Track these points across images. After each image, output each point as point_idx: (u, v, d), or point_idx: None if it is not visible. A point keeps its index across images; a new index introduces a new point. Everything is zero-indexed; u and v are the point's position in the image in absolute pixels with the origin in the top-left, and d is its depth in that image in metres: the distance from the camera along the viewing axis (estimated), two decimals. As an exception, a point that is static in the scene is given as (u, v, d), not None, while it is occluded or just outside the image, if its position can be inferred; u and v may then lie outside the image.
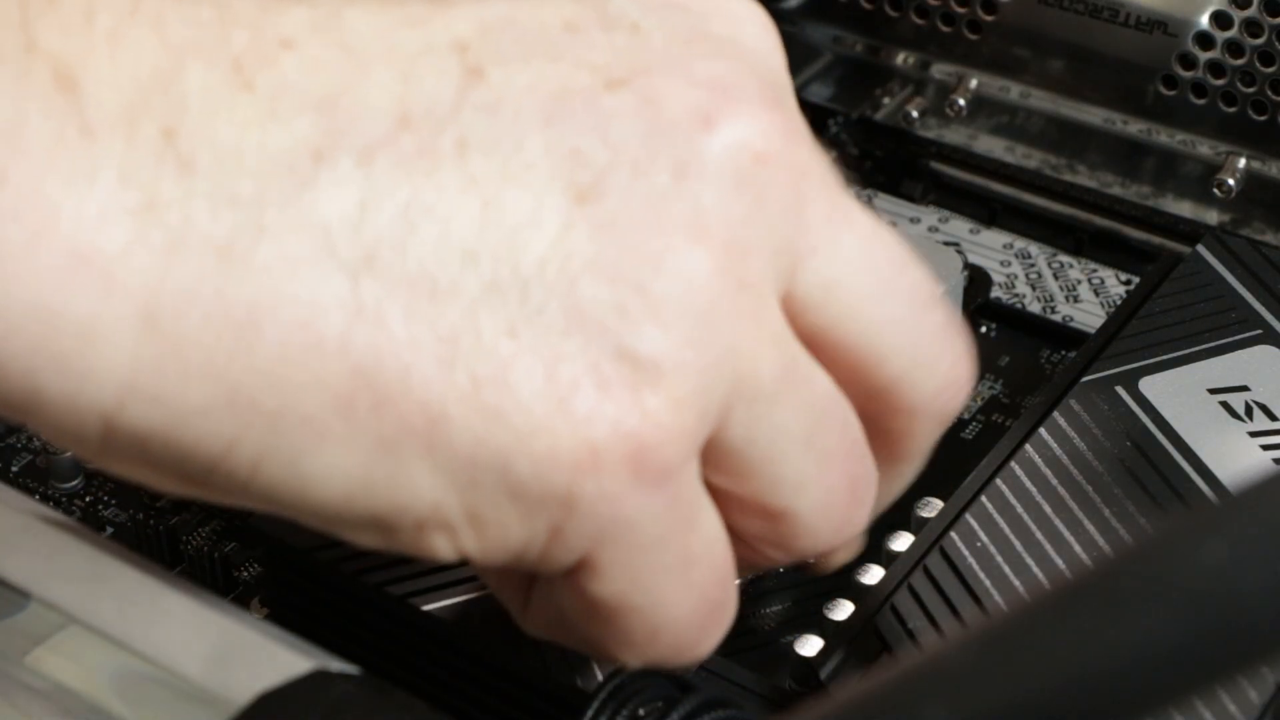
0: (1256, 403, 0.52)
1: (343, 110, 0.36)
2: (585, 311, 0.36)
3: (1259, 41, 0.61)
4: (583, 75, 0.38)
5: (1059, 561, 0.47)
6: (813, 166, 0.40)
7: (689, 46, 0.39)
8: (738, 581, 0.42)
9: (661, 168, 0.37)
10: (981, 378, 0.61)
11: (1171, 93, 0.63)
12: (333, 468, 0.36)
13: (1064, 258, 0.65)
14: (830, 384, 0.41)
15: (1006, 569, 0.47)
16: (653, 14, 0.39)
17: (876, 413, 0.42)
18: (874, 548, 0.53)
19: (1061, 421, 0.51)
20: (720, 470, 0.39)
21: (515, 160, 0.37)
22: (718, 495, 0.40)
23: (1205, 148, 0.63)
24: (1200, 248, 0.57)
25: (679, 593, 0.39)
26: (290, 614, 0.50)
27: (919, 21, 0.66)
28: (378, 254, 0.35)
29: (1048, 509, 0.49)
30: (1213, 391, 0.52)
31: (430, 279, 0.36)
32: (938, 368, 0.42)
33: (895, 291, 0.41)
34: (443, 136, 0.36)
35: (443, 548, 0.38)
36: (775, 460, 0.40)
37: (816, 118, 0.70)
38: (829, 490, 0.41)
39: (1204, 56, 0.62)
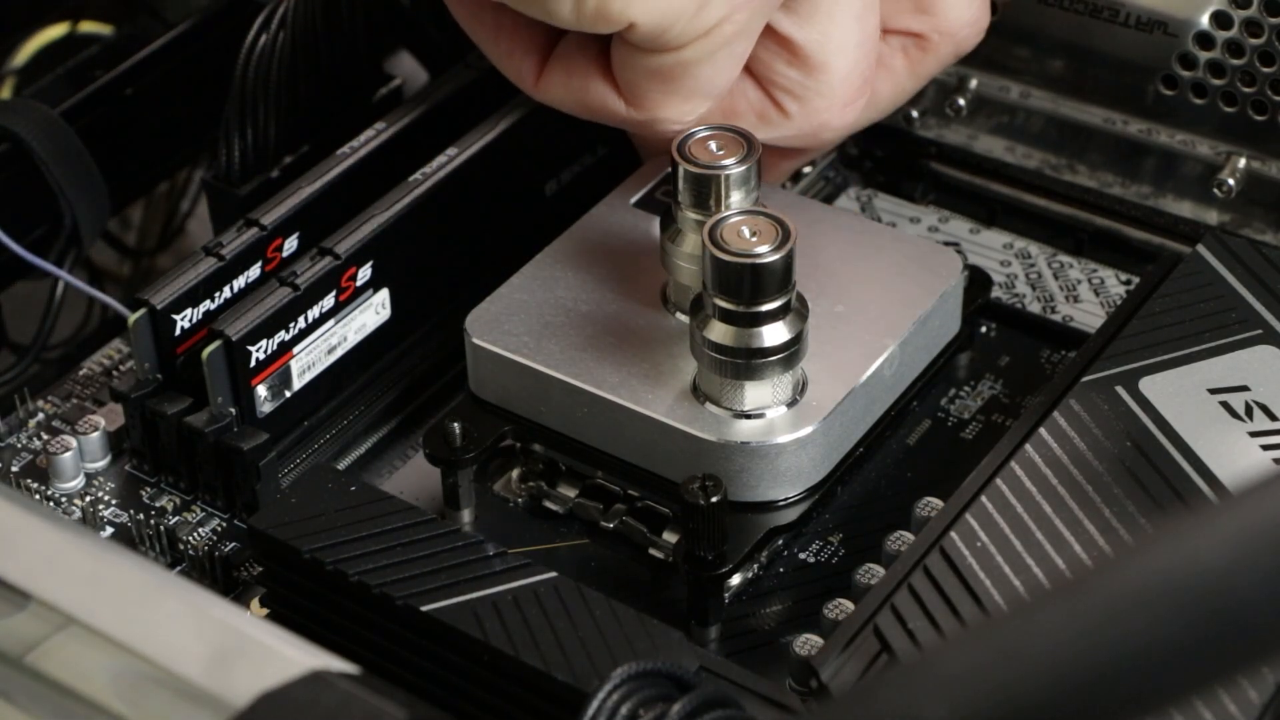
0: (1256, 403, 0.52)
1: None
2: None
3: (1259, 41, 0.61)
4: None
5: (1059, 561, 0.47)
6: None
7: None
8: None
9: None
10: (981, 378, 0.61)
11: (1171, 93, 0.63)
12: None
13: (1064, 258, 0.64)
14: None
15: (1006, 569, 0.47)
16: None
17: (913, 28, 0.58)
18: (874, 548, 0.53)
19: (1061, 421, 0.51)
20: (793, 11, 0.54)
21: None
22: (774, 38, 0.55)
23: (1205, 148, 0.63)
24: (1200, 248, 0.57)
25: (730, 70, 0.54)
26: (290, 614, 0.50)
27: (919, 21, 0.66)
28: None
29: (1048, 509, 0.49)
30: (1213, 391, 0.52)
31: None
32: (973, 3, 0.59)
33: None
34: None
35: None
36: (835, 19, 0.55)
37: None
38: (857, 63, 0.56)
39: (1204, 56, 0.62)
